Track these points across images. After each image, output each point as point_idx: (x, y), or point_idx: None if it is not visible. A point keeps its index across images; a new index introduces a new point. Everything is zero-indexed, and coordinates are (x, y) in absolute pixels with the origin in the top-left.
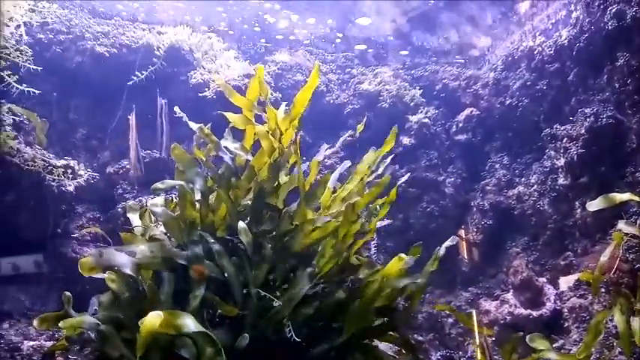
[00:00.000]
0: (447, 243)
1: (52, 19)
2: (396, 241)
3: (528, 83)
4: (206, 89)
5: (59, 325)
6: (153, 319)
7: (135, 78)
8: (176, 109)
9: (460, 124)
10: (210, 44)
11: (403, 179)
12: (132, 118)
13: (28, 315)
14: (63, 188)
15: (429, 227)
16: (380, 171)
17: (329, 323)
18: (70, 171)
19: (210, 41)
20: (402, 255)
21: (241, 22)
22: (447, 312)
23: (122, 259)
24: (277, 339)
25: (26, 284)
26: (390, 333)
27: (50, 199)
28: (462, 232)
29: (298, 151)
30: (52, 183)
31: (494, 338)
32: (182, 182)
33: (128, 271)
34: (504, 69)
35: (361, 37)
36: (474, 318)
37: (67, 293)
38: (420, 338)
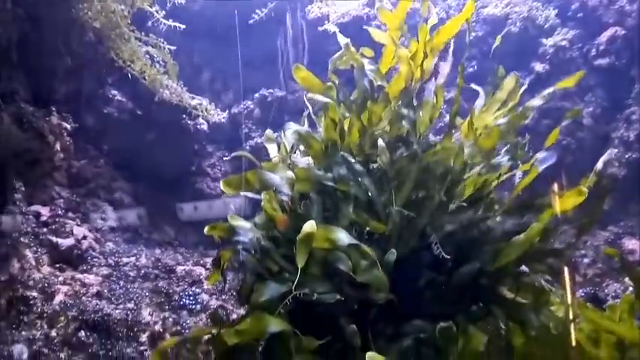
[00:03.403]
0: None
1: None
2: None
3: None
4: (325, 22)
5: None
6: (309, 228)
7: (255, 16)
8: (329, 27)
9: (601, 47)
10: None
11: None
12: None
13: (174, 244)
14: (198, 127)
15: (564, 161)
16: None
17: (479, 246)
18: (204, 110)
19: None
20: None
21: None
22: (583, 252)
23: (277, 179)
24: (423, 257)
25: (169, 217)
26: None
27: (187, 137)
28: (555, 188)
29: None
30: (189, 122)
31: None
32: (330, 100)
33: (285, 190)
34: None
35: None
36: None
37: (232, 207)
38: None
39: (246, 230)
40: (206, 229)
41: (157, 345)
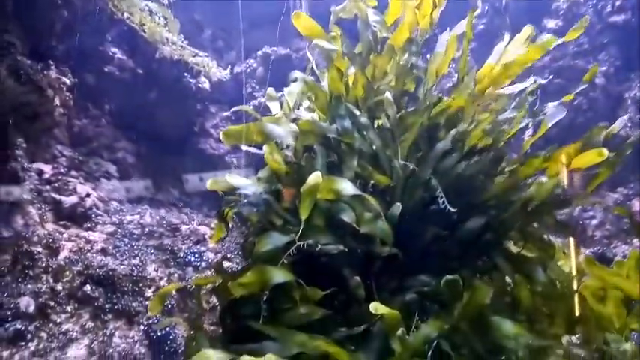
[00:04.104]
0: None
1: None
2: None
3: None
4: None
5: (227, 187)
6: (314, 179)
7: None
8: None
9: (617, 3)
10: None
11: None
12: None
13: (178, 205)
14: (200, 85)
15: (575, 122)
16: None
17: (485, 199)
18: (206, 67)
19: None
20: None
21: None
22: (591, 214)
23: (279, 131)
24: (428, 211)
25: (173, 179)
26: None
27: (189, 97)
28: (562, 158)
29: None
30: (191, 80)
31: None
32: (336, 47)
33: (289, 141)
34: None
35: None
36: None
37: (234, 160)
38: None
39: (248, 185)
40: (208, 183)
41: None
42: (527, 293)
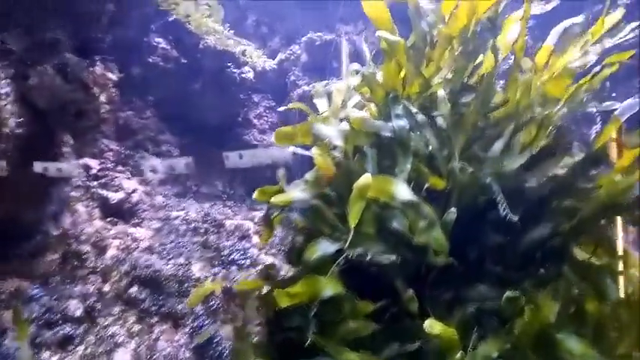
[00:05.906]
0: None
1: None
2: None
3: None
4: None
5: (273, 199)
6: (364, 181)
7: None
8: None
9: None
10: None
11: None
12: None
13: (222, 198)
14: (244, 75)
15: None
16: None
17: (549, 203)
18: (251, 57)
19: None
20: None
21: None
22: None
23: (329, 131)
24: (487, 216)
25: (217, 170)
26: None
27: (232, 87)
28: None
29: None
30: (235, 70)
31: None
32: (397, 38)
33: (338, 142)
34: None
35: None
36: None
37: (282, 171)
38: None
39: (295, 190)
40: (255, 194)
41: (207, 300)
42: (595, 305)
